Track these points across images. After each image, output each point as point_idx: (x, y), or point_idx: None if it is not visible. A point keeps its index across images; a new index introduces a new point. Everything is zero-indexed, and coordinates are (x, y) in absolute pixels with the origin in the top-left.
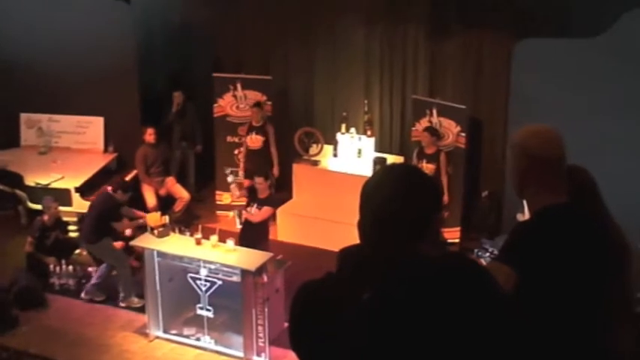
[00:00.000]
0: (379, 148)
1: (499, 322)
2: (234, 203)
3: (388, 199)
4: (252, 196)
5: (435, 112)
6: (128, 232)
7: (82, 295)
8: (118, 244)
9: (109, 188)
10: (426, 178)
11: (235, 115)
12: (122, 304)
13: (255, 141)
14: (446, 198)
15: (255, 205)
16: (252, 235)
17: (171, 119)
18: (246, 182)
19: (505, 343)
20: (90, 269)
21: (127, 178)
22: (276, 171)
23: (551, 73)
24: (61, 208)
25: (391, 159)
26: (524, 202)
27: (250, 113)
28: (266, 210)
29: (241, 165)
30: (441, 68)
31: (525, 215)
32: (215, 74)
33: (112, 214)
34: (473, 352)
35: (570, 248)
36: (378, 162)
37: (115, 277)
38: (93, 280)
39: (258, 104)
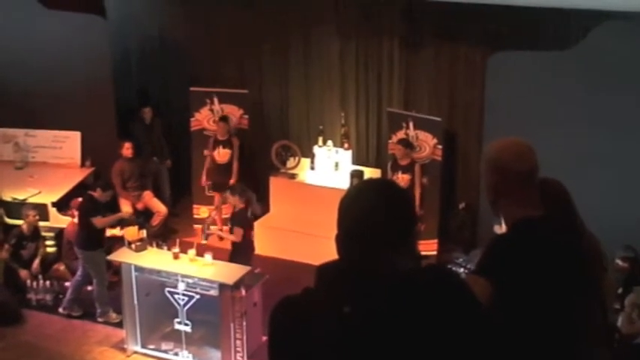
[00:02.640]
0: (356, 160)
1: (478, 334)
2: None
3: (365, 213)
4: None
5: (411, 124)
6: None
7: (60, 309)
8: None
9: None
10: (403, 192)
11: (212, 128)
12: (100, 320)
13: (223, 155)
14: (418, 210)
15: (229, 226)
16: (236, 253)
17: (140, 134)
18: (217, 196)
19: (483, 355)
20: (67, 284)
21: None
22: (232, 182)
23: (525, 85)
24: (39, 223)
25: (368, 172)
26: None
27: (217, 127)
28: (237, 231)
29: (204, 178)
30: (415, 81)
31: (502, 227)
32: (192, 88)
33: (91, 212)
34: None
35: (545, 261)
36: (355, 175)
37: (91, 293)
38: (68, 295)
39: (224, 118)
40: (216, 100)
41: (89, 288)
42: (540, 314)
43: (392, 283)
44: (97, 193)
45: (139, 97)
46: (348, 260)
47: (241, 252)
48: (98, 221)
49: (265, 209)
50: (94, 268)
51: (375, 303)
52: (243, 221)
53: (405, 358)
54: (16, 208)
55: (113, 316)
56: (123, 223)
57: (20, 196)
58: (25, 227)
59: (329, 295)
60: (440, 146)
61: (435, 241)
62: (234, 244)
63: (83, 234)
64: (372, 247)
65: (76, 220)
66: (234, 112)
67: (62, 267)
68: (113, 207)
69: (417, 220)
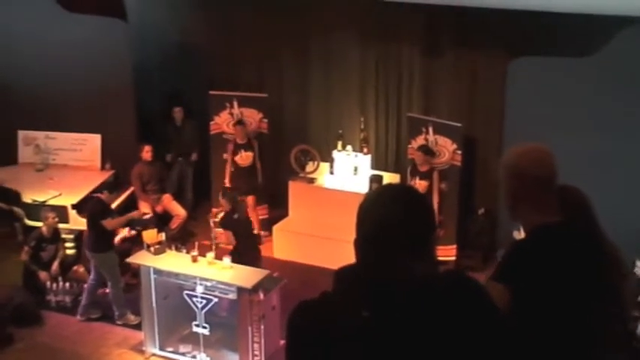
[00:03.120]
0: (375, 165)
1: (495, 339)
2: None
3: (384, 218)
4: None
5: (431, 129)
6: (125, 232)
7: (78, 317)
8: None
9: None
10: (422, 197)
11: (231, 132)
12: (118, 322)
13: (245, 158)
14: (437, 217)
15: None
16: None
17: (171, 135)
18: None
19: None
20: (85, 286)
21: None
22: (260, 182)
23: (545, 91)
24: (59, 225)
25: (387, 176)
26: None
27: (234, 131)
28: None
29: (227, 183)
30: (436, 86)
31: (521, 233)
32: (211, 92)
33: (100, 214)
34: None
35: (563, 267)
36: (374, 179)
37: (108, 295)
38: (83, 301)
39: (240, 122)
40: (235, 103)
41: (106, 290)
42: (557, 320)
43: (410, 289)
44: (105, 196)
45: (170, 98)
46: (366, 265)
47: (241, 255)
48: (108, 223)
49: (284, 213)
50: (106, 270)
51: (393, 308)
52: (228, 225)
53: None
54: (36, 210)
55: (131, 318)
56: (133, 223)
57: (40, 198)
58: (44, 229)
59: (347, 300)
60: (459, 151)
61: (454, 246)
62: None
63: (93, 237)
64: (391, 252)
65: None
66: (253, 116)
67: (81, 269)
68: (128, 208)
69: (436, 226)
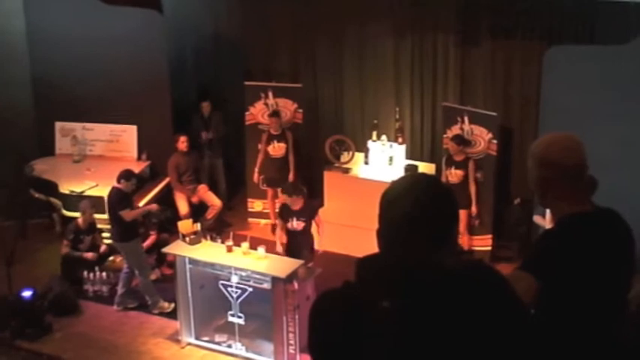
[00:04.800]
0: (410, 155)
1: (516, 330)
2: (265, 210)
3: (406, 207)
4: (287, 210)
5: (466, 119)
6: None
7: (115, 306)
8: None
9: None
10: (444, 187)
11: (266, 123)
12: (154, 311)
13: (277, 149)
14: (474, 207)
15: (295, 218)
16: (299, 244)
17: (198, 128)
18: (270, 191)
19: (520, 352)
20: (120, 276)
21: (133, 169)
22: (291, 177)
23: (582, 80)
24: (95, 216)
25: (422, 166)
26: (547, 210)
27: (269, 122)
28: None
29: (256, 174)
30: (471, 75)
31: (546, 220)
32: (246, 83)
33: (118, 204)
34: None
35: (593, 257)
36: (409, 169)
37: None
38: (119, 291)
39: (275, 113)
40: (270, 94)
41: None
42: (586, 310)
43: (431, 278)
44: (123, 185)
45: (198, 92)
46: (387, 254)
47: (305, 243)
48: (126, 214)
49: (319, 203)
50: (132, 258)
51: (414, 298)
52: (308, 214)
53: (443, 354)
54: (73, 201)
55: (165, 305)
56: (150, 216)
57: (78, 189)
58: (80, 221)
59: (368, 289)
60: (495, 141)
61: (490, 236)
62: (296, 235)
63: (116, 227)
64: (412, 242)
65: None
66: (288, 107)
67: (118, 259)
68: (168, 200)
69: (458, 216)
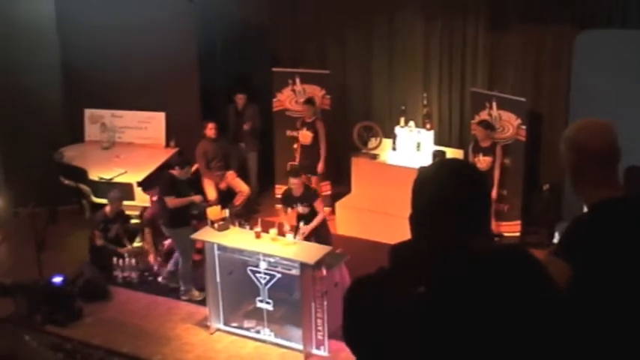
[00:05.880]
0: (438, 141)
1: (553, 315)
2: None
3: (440, 192)
4: (289, 197)
5: (494, 104)
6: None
7: (160, 278)
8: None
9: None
10: (477, 171)
11: (294, 109)
12: (183, 298)
13: (305, 137)
14: (495, 191)
15: (299, 204)
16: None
17: (231, 119)
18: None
19: (557, 337)
20: (152, 263)
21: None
22: (320, 167)
23: (613, 65)
24: (124, 202)
25: (450, 152)
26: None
27: (303, 110)
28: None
29: (297, 159)
30: (500, 61)
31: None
32: (274, 69)
33: (167, 190)
34: (527, 345)
35: (627, 243)
36: (437, 155)
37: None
38: (169, 267)
39: (310, 101)
40: (298, 80)
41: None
42: (618, 298)
43: (466, 263)
44: (177, 171)
45: (233, 83)
46: (421, 240)
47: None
48: (171, 201)
49: (347, 189)
50: (179, 245)
51: (450, 283)
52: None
53: (480, 339)
54: (102, 188)
55: (196, 294)
56: (192, 207)
57: (107, 176)
58: (108, 210)
59: (403, 275)
60: (524, 127)
61: (518, 222)
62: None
63: (168, 212)
64: (446, 227)
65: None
66: (316, 93)
67: (146, 245)
68: (196, 185)
69: (491, 200)
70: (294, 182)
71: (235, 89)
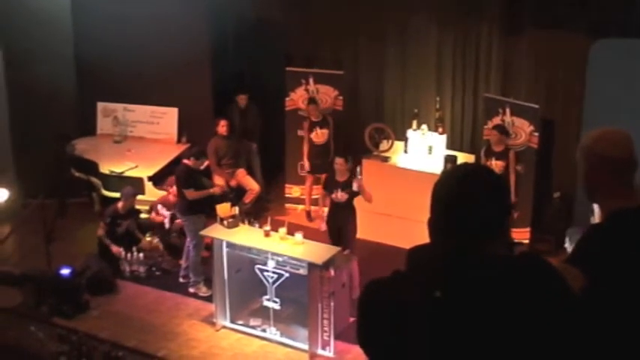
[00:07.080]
0: (450, 145)
1: (570, 323)
2: (302, 197)
3: (459, 198)
4: (331, 181)
5: (507, 110)
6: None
7: (180, 279)
8: None
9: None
10: (498, 178)
11: (306, 109)
12: (191, 290)
13: (321, 135)
14: (513, 197)
15: (339, 189)
16: (342, 217)
17: (234, 118)
18: (310, 178)
19: (573, 345)
20: (159, 258)
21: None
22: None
23: (628, 74)
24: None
25: (462, 157)
26: (595, 206)
27: (308, 110)
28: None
29: (305, 162)
30: (514, 67)
31: (595, 217)
32: (288, 68)
33: (184, 180)
34: (542, 351)
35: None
36: (449, 159)
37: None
38: (183, 264)
39: (312, 100)
40: (311, 80)
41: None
42: (632, 307)
43: (483, 270)
44: (191, 162)
45: (236, 83)
46: (439, 245)
47: (349, 215)
48: (190, 193)
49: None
50: (191, 232)
51: (466, 289)
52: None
53: (495, 345)
54: (113, 181)
55: (203, 289)
56: (212, 199)
57: (118, 169)
58: (120, 206)
59: (420, 279)
60: (536, 133)
61: (528, 229)
62: (340, 207)
63: (181, 201)
64: (465, 233)
65: (173, 190)
66: (329, 93)
67: (155, 240)
68: (209, 176)
69: (511, 208)
70: (339, 162)
71: (238, 89)
